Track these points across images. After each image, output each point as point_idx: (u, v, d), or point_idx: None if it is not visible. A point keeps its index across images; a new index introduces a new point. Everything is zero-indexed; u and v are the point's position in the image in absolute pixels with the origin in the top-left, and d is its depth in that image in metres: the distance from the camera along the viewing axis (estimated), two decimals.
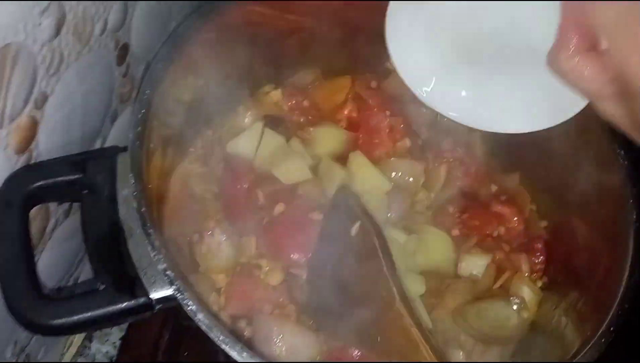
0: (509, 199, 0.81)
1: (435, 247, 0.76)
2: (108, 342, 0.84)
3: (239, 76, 0.78)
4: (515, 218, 0.79)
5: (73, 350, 0.83)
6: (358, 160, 0.77)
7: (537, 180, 0.81)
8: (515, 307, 0.73)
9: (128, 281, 0.55)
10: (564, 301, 0.73)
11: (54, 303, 0.54)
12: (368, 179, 0.77)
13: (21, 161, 0.59)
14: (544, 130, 0.68)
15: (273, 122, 0.80)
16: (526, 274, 0.77)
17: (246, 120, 0.80)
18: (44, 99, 0.59)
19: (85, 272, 0.81)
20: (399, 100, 0.83)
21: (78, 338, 0.83)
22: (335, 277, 0.68)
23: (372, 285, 0.66)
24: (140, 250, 0.56)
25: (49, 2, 0.54)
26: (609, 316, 0.62)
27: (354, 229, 0.69)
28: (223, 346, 0.52)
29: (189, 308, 0.54)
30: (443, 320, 0.73)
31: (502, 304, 0.74)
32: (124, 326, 0.83)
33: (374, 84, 0.85)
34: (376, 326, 0.65)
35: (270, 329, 0.66)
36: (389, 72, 0.84)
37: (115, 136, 0.76)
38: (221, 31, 0.72)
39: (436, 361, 0.63)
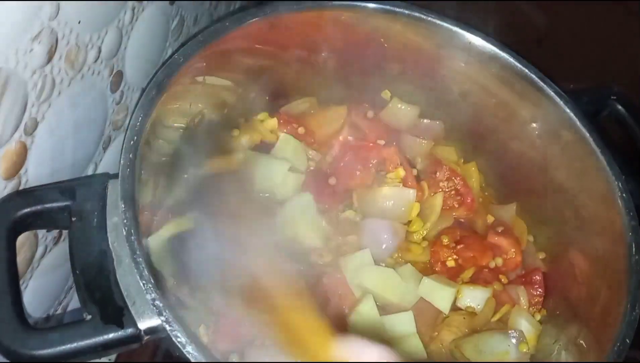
0: (505, 231, 0.80)
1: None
2: None
3: (234, 103, 0.78)
4: (513, 250, 0.78)
5: None
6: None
7: (534, 211, 0.81)
8: (514, 341, 0.72)
9: (116, 311, 0.54)
10: (563, 335, 0.72)
11: (38, 334, 0.52)
12: None
13: (9, 187, 0.58)
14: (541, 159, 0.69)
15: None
16: (525, 307, 0.76)
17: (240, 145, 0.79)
18: (34, 125, 0.58)
19: (75, 300, 0.79)
20: (396, 130, 0.83)
21: None
22: None
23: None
24: (129, 279, 0.55)
25: (41, 27, 0.54)
26: (610, 352, 0.61)
27: None
28: None
29: (178, 340, 0.52)
30: (440, 354, 0.71)
31: (500, 337, 0.72)
32: (113, 357, 0.81)
33: (370, 114, 0.85)
34: None
35: None
36: (386, 103, 0.84)
37: (107, 163, 0.75)
38: (216, 59, 0.72)
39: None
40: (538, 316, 0.76)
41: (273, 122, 0.82)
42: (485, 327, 0.74)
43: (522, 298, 0.76)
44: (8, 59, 0.51)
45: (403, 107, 0.83)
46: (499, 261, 0.78)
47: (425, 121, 0.84)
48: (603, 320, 0.66)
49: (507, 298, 0.76)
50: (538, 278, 0.78)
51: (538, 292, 0.77)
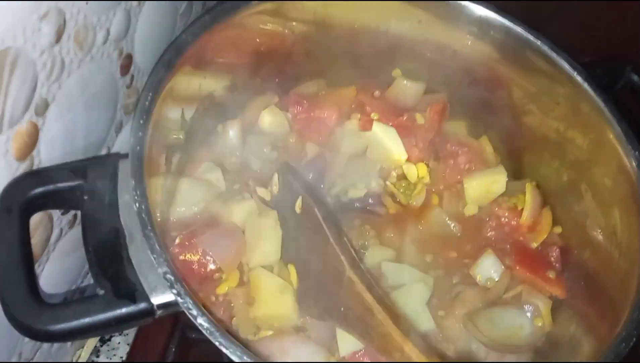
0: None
1: None
2: (115, 357, 0.82)
3: (244, 83, 0.78)
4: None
5: None
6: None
7: (549, 185, 0.79)
8: (529, 315, 0.71)
9: (129, 287, 0.54)
10: (580, 312, 0.71)
11: (51, 309, 0.53)
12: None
13: (22, 168, 0.59)
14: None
15: None
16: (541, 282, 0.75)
17: None
18: (45, 106, 0.59)
19: (93, 285, 0.80)
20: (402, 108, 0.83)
21: (85, 353, 0.82)
22: (296, 258, 0.68)
23: (323, 257, 0.65)
24: (141, 255, 0.55)
25: (48, 8, 0.54)
26: (626, 328, 0.60)
27: (297, 205, 0.69)
28: (224, 350, 0.51)
29: (190, 312, 0.52)
30: (454, 328, 0.70)
31: (515, 312, 0.72)
32: (131, 340, 0.82)
33: (377, 93, 0.84)
34: (337, 297, 0.64)
35: (270, 349, 0.65)
36: (392, 81, 0.84)
37: (120, 146, 0.76)
38: (225, 39, 0.72)
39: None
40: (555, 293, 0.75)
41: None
42: (498, 302, 0.73)
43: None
44: (16, 38, 0.51)
45: (409, 84, 0.83)
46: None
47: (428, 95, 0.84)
48: (620, 293, 0.65)
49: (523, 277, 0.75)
50: (555, 254, 0.77)
51: (556, 267, 0.76)
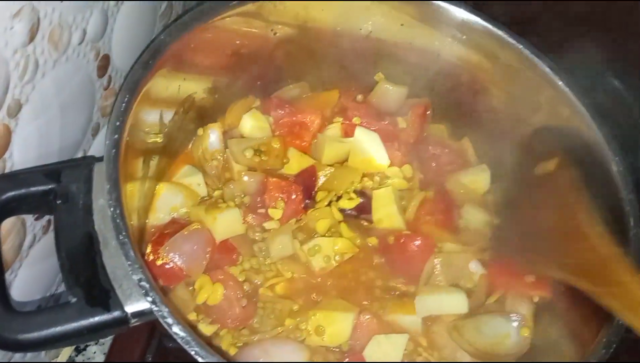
0: None
1: None
2: None
3: (224, 86, 0.76)
4: None
5: None
6: None
7: None
8: (515, 324, 0.70)
9: (102, 294, 0.53)
10: (563, 316, 0.70)
11: (22, 317, 0.51)
12: None
13: None
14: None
15: None
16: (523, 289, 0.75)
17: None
18: (18, 107, 0.57)
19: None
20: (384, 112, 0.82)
21: None
22: None
23: None
24: (116, 261, 0.54)
25: (21, 5, 0.53)
26: (609, 331, 0.59)
27: None
28: (200, 359, 0.49)
29: (165, 321, 0.51)
30: (441, 335, 0.70)
31: (502, 320, 0.71)
32: (107, 349, 0.80)
33: (360, 97, 0.83)
34: None
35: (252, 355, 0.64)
36: (375, 84, 0.83)
37: (96, 149, 0.74)
38: (206, 40, 0.71)
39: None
40: (536, 299, 0.74)
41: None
42: (481, 309, 0.72)
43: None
44: None
45: (391, 88, 0.82)
46: None
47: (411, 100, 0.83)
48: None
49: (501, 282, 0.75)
50: None
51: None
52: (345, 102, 0.82)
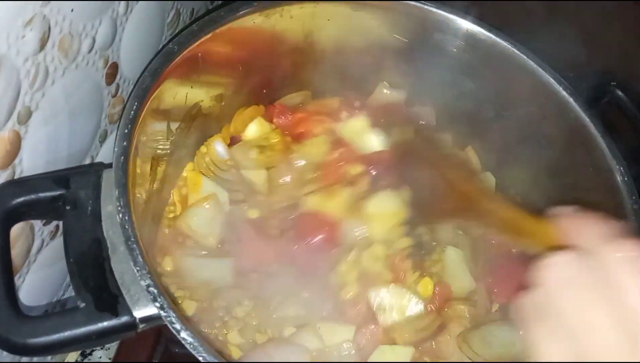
0: None
1: None
2: None
3: (231, 94, 0.77)
4: None
5: None
6: None
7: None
8: (520, 332, 0.71)
9: (110, 299, 0.53)
10: None
11: (31, 322, 0.51)
12: None
13: (4, 177, 0.58)
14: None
15: None
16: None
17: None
18: (28, 114, 0.58)
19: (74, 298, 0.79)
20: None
21: None
22: None
23: None
24: (124, 266, 0.54)
25: (33, 13, 0.53)
26: None
27: None
28: None
29: (173, 327, 0.51)
30: (448, 345, 0.70)
31: (507, 328, 0.71)
32: (112, 354, 0.80)
33: (357, 103, 0.84)
34: None
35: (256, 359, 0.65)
36: (372, 90, 0.84)
37: (104, 156, 0.75)
38: (213, 49, 0.71)
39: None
40: None
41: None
42: (487, 318, 0.73)
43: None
44: None
45: (389, 92, 0.83)
46: None
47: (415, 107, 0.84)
48: None
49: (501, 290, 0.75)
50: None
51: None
52: (344, 108, 0.83)
